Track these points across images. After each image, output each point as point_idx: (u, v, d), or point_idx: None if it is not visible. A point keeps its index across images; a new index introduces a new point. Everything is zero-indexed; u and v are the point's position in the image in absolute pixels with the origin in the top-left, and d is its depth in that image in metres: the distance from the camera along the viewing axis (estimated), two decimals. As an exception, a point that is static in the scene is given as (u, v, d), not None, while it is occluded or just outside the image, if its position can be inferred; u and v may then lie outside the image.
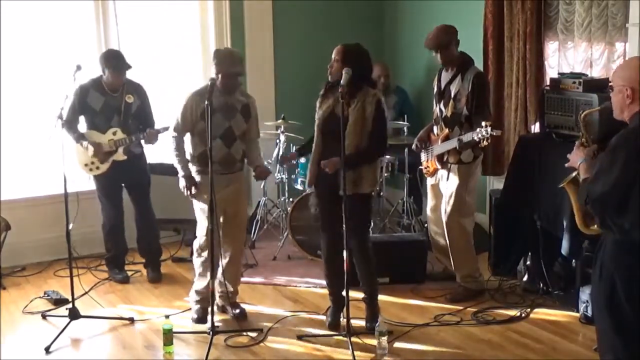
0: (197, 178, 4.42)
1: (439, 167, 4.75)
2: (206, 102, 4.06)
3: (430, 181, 4.96)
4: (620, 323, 2.97)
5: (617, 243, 2.95)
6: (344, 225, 4.01)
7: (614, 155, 2.83)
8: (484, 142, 4.32)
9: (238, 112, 4.39)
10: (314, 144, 4.36)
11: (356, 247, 4.28)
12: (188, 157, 4.45)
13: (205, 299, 4.42)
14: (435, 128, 4.85)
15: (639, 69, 2.92)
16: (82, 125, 5.16)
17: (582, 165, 3.18)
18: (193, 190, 4.39)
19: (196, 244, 4.56)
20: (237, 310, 4.60)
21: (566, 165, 3.38)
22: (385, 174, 5.79)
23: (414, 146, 4.96)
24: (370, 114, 4.16)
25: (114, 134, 5.09)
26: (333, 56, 4.25)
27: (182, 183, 4.43)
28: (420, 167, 5.10)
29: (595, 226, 3.19)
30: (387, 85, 6.50)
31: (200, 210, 4.47)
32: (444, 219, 4.80)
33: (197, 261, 4.56)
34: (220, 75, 4.29)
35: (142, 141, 5.17)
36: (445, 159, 4.69)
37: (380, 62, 6.49)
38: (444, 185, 4.78)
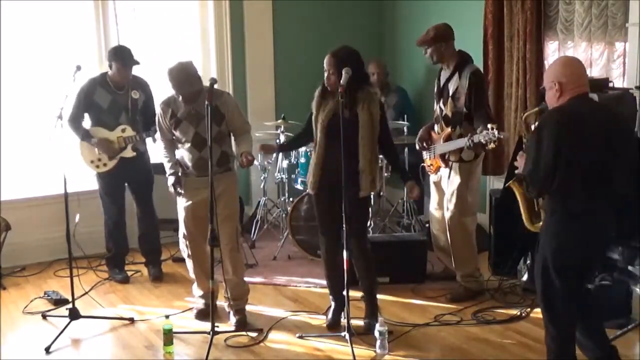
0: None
1: (442, 165, 4.75)
2: (206, 103, 4.07)
3: (433, 178, 4.96)
4: (548, 290, 3.31)
5: (549, 219, 3.29)
6: (344, 226, 3.99)
7: (539, 135, 3.18)
8: (491, 144, 4.30)
9: (204, 118, 4.20)
10: (316, 147, 4.28)
11: (357, 246, 4.27)
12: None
13: (206, 294, 4.45)
14: (435, 126, 4.85)
15: (562, 64, 3.27)
16: (86, 122, 5.16)
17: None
18: (179, 188, 4.42)
19: (180, 245, 4.68)
20: (237, 317, 4.48)
21: (516, 172, 3.61)
22: (385, 174, 5.78)
23: (417, 146, 4.96)
24: (377, 116, 4.15)
25: (123, 131, 5.09)
26: (325, 67, 4.16)
27: (170, 181, 4.46)
28: (423, 164, 5.10)
29: (540, 223, 3.55)
30: (383, 82, 6.47)
31: (179, 213, 4.56)
32: (446, 217, 4.80)
33: (187, 262, 4.66)
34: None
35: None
36: (446, 157, 4.70)
37: (376, 59, 6.49)
38: (446, 183, 4.79)
